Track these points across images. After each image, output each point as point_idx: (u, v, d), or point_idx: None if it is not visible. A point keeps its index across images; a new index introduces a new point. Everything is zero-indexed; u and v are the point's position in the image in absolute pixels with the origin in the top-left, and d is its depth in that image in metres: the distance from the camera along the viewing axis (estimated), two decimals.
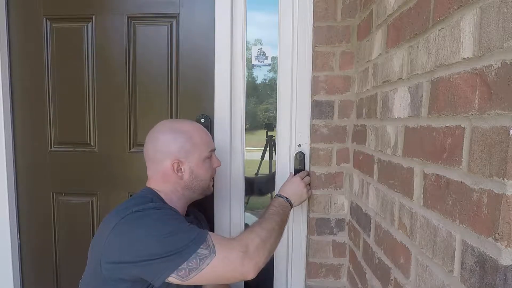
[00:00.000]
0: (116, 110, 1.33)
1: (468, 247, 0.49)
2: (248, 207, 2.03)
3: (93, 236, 1.38)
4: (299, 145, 1.25)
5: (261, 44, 1.35)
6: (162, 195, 0.94)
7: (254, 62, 1.32)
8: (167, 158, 0.92)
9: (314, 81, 1.19)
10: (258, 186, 1.53)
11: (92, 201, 1.38)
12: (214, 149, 1.02)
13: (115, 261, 0.79)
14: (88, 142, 1.36)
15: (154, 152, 0.94)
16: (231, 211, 1.32)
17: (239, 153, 1.30)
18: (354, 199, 1.13)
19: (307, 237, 1.27)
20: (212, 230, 1.30)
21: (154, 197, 0.91)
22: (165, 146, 0.93)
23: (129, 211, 0.82)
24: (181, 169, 0.93)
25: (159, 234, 0.78)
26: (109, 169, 1.35)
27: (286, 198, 1.06)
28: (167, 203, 0.93)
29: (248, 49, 1.28)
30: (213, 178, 1.05)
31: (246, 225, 1.40)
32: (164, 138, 0.93)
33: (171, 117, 1.32)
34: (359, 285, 1.04)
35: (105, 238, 0.81)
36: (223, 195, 1.30)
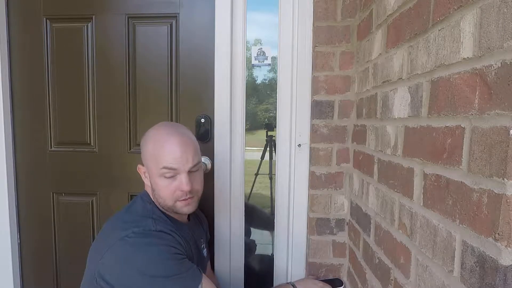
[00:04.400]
0: (116, 110, 1.33)
1: (468, 247, 0.49)
2: None
3: (93, 236, 1.39)
4: (299, 145, 1.25)
5: (261, 44, 1.35)
6: (156, 202, 0.94)
7: (254, 62, 1.32)
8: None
9: (314, 81, 1.19)
10: (257, 219, 1.56)
11: (92, 201, 1.38)
12: (175, 168, 0.87)
13: (107, 282, 0.80)
14: (88, 142, 1.36)
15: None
16: (231, 209, 1.31)
17: (239, 153, 1.30)
18: (354, 199, 1.13)
19: (307, 237, 1.27)
20: (212, 227, 1.31)
21: (153, 208, 0.91)
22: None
23: (129, 231, 0.82)
24: (145, 173, 0.93)
25: (152, 276, 0.78)
26: (109, 169, 1.35)
27: None
28: (164, 211, 0.93)
29: (248, 49, 1.28)
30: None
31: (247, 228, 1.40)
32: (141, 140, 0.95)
33: (171, 118, 1.32)
34: (359, 285, 1.04)
35: (102, 253, 0.82)
36: (223, 195, 1.30)
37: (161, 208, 0.93)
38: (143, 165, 0.93)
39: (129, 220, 0.87)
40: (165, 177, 0.87)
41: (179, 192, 0.88)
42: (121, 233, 0.82)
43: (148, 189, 0.95)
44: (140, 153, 0.94)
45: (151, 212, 0.89)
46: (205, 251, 1.09)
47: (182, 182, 0.87)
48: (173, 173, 0.87)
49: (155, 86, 1.31)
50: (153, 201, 0.93)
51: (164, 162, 0.86)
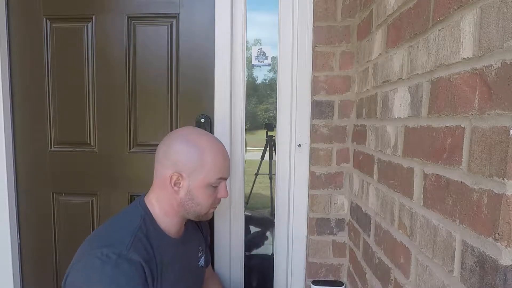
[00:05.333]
0: (116, 110, 1.33)
1: (468, 247, 0.49)
2: (248, 207, 2.04)
3: None
4: (299, 145, 1.25)
5: (261, 44, 1.35)
6: (157, 211, 0.87)
7: (254, 62, 1.32)
8: (170, 167, 0.85)
9: (314, 81, 1.19)
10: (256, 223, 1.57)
11: (92, 201, 1.38)
12: (226, 178, 0.90)
13: None
14: (88, 142, 1.36)
15: (163, 155, 0.87)
16: (231, 209, 1.32)
17: (239, 153, 1.30)
18: (354, 199, 1.13)
19: (307, 237, 1.27)
20: (212, 227, 1.30)
21: (142, 226, 0.82)
22: (173, 154, 0.86)
23: (99, 251, 0.75)
24: (179, 183, 0.85)
25: None
26: (109, 169, 1.35)
27: None
28: (157, 225, 0.86)
29: (248, 49, 1.28)
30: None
31: (247, 228, 1.40)
32: (177, 146, 0.86)
33: (171, 117, 1.32)
34: (359, 285, 1.04)
35: (74, 261, 0.79)
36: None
37: (159, 222, 0.87)
38: (176, 173, 0.84)
39: (107, 234, 0.81)
40: (213, 186, 0.87)
41: (217, 199, 0.92)
42: (92, 248, 0.77)
43: (164, 197, 0.87)
44: (166, 158, 0.86)
45: (136, 230, 0.81)
46: (202, 260, 1.04)
47: (225, 190, 0.91)
48: (219, 182, 0.89)
49: (155, 86, 1.31)
50: (150, 216, 0.86)
51: (221, 173, 0.87)
